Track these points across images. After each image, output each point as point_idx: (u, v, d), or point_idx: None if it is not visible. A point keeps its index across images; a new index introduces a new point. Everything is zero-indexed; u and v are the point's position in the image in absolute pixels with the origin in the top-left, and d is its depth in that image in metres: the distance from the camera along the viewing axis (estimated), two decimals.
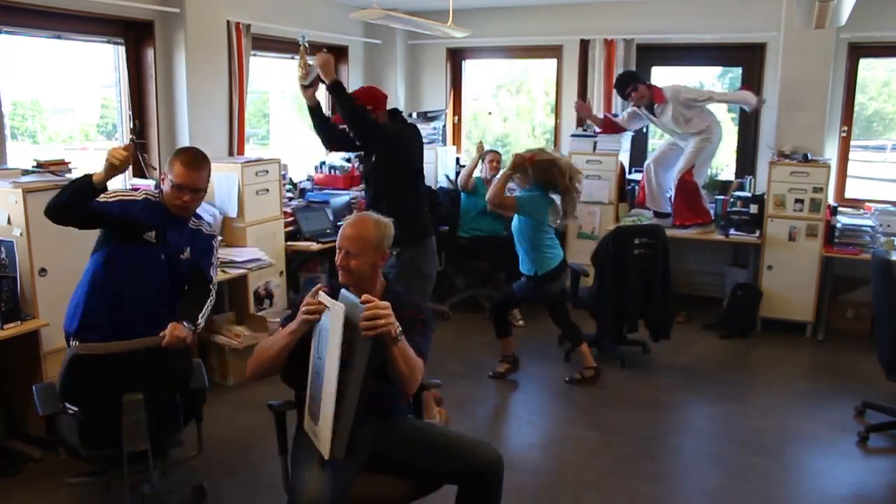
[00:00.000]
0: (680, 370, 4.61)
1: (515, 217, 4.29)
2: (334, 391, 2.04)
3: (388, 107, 3.84)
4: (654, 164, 5.54)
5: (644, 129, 6.23)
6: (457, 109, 6.92)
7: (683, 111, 5.24)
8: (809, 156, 5.11)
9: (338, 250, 2.42)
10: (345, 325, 2.04)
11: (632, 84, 5.31)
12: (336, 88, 3.54)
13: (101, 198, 2.68)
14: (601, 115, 5.74)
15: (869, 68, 5.69)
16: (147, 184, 4.54)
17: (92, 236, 3.57)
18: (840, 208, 5.40)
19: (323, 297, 2.18)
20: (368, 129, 3.60)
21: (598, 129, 5.75)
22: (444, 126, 6.59)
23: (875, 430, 3.69)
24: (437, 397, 3.68)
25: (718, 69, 6.40)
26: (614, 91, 5.92)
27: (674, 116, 5.25)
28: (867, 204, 5.39)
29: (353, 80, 6.51)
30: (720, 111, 5.59)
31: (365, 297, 2.06)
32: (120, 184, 4.60)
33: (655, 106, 5.31)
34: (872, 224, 5.08)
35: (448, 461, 2.32)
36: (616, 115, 5.75)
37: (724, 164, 6.20)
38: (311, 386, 2.21)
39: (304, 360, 2.22)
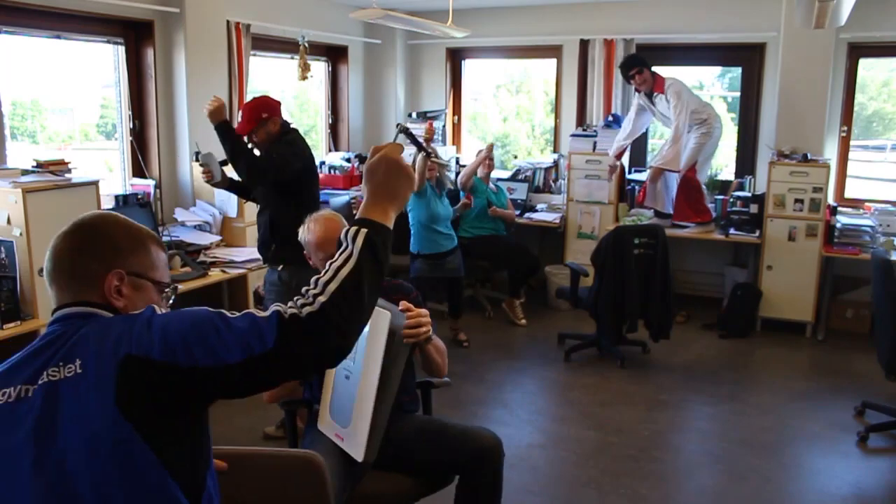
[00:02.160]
0: (680, 370, 4.61)
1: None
2: (374, 396, 2.02)
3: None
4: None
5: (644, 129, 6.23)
6: (456, 109, 6.92)
7: (671, 104, 5.22)
8: (809, 156, 5.11)
9: (325, 261, 2.38)
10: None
11: (637, 67, 5.29)
12: (224, 128, 3.28)
13: None
14: (616, 164, 5.59)
15: (869, 68, 5.69)
16: (146, 183, 4.55)
17: None
18: (840, 208, 5.39)
19: None
20: (279, 168, 3.33)
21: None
22: (444, 126, 6.59)
23: (875, 430, 3.69)
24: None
25: (718, 69, 6.40)
26: (613, 89, 5.94)
27: (668, 107, 5.26)
28: (867, 204, 5.39)
29: (353, 80, 6.51)
30: (720, 109, 5.59)
31: (404, 304, 2.07)
32: (119, 185, 4.61)
33: (654, 95, 5.32)
34: (872, 224, 5.08)
35: (450, 450, 2.33)
36: (616, 120, 5.74)
37: (723, 164, 6.20)
38: (334, 389, 2.18)
39: None
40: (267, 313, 1.17)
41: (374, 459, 2.10)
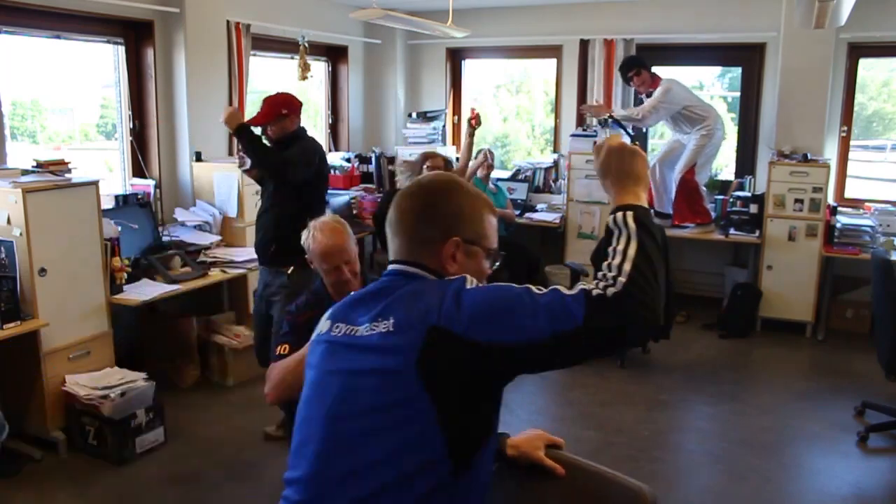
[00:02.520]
0: (680, 370, 4.61)
1: None
2: None
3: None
4: (659, 163, 5.52)
5: (643, 128, 6.23)
6: (456, 109, 6.92)
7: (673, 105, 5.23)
8: (809, 156, 5.11)
9: (330, 271, 2.39)
10: None
11: (635, 69, 5.29)
12: (241, 133, 3.38)
13: None
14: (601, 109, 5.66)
15: (869, 68, 5.69)
16: (146, 183, 4.55)
17: (87, 237, 3.58)
18: (840, 208, 5.39)
19: None
20: (296, 163, 3.43)
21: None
22: (444, 126, 6.59)
23: (875, 430, 3.69)
24: None
25: (718, 69, 6.40)
26: (614, 88, 5.93)
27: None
28: (867, 204, 5.39)
29: (353, 80, 6.51)
30: (720, 109, 5.60)
31: None
32: (119, 185, 4.61)
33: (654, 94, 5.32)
34: (872, 224, 5.08)
35: None
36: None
37: (723, 164, 6.20)
38: None
39: None
40: (574, 291, 1.20)
41: None
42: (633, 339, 1.23)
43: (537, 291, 1.23)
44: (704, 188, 5.49)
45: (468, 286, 1.29)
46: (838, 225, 5.11)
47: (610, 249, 1.24)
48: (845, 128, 5.56)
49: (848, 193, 5.70)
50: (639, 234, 1.23)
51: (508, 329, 1.20)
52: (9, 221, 3.25)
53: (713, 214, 5.49)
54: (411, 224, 1.40)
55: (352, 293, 1.47)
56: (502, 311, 1.22)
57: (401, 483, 1.23)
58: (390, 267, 1.42)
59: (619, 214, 1.26)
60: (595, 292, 1.18)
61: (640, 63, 5.33)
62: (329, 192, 5.60)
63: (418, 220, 1.40)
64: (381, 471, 1.24)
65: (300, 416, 1.40)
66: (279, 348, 2.28)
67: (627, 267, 1.19)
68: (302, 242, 2.49)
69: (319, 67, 6.32)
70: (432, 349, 1.22)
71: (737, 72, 6.07)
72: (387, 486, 1.23)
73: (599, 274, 1.22)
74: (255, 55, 5.28)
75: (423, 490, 1.24)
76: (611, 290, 1.18)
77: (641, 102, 5.51)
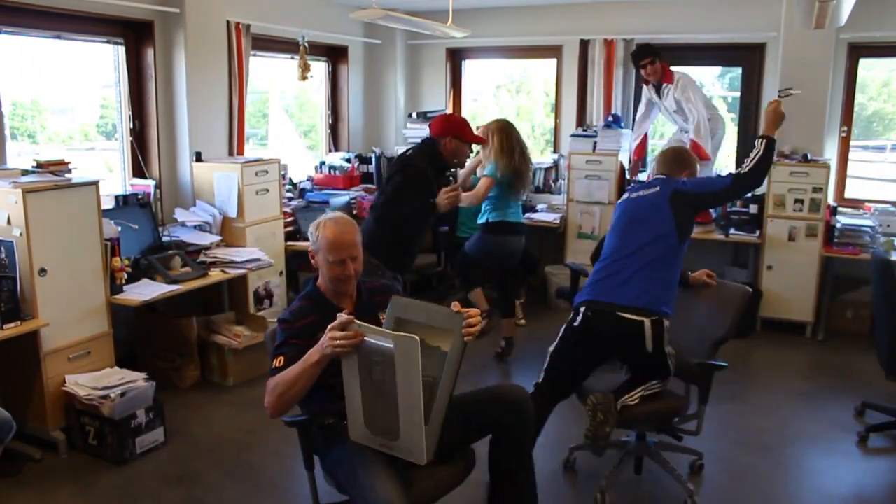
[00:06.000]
0: None
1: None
2: (420, 409, 2.02)
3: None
4: None
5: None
6: (456, 109, 6.92)
7: (683, 97, 5.25)
8: (809, 156, 5.11)
9: (336, 263, 2.34)
10: (444, 333, 2.12)
11: (650, 57, 5.31)
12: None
13: None
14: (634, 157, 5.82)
15: (869, 68, 5.69)
16: (146, 183, 4.55)
17: (87, 237, 3.58)
18: (840, 208, 5.39)
19: (367, 328, 2.05)
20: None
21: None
22: None
23: (875, 430, 3.69)
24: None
25: (718, 69, 6.40)
26: (614, 89, 5.93)
27: (675, 100, 5.29)
28: (867, 204, 5.39)
29: (353, 80, 6.51)
30: (720, 109, 5.60)
31: (456, 305, 2.13)
32: (119, 185, 4.61)
33: (663, 86, 5.32)
34: (872, 224, 5.08)
35: (481, 416, 2.42)
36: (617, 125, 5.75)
37: (723, 164, 6.20)
38: (365, 403, 2.13)
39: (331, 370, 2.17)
40: (725, 174, 3.14)
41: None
42: (752, 187, 3.16)
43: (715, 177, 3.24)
44: None
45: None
46: (838, 225, 5.11)
47: (752, 152, 3.06)
48: (845, 128, 5.56)
49: (848, 193, 5.70)
50: (766, 147, 3.05)
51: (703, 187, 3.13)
52: (9, 221, 3.25)
53: (713, 214, 5.49)
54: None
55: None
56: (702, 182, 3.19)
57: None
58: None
59: (761, 138, 3.09)
60: (737, 171, 3.06)
61: (654, 52, 5.34)
62: (328, 192, 5.66)
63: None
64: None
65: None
66: (275, 361, 2.26)
67: (752, 164, 3.02)
68: (309, 232, 2.45)
69: (319, 67, 6.33)
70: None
71: (737, 72, 6.07)
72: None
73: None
74: (255, 55, 5.28)
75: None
76: (742, 171, 3.03)
77: (649, 94, 5.55)
